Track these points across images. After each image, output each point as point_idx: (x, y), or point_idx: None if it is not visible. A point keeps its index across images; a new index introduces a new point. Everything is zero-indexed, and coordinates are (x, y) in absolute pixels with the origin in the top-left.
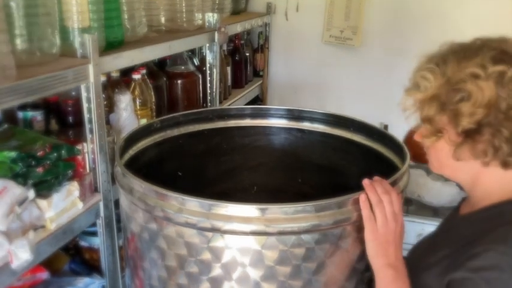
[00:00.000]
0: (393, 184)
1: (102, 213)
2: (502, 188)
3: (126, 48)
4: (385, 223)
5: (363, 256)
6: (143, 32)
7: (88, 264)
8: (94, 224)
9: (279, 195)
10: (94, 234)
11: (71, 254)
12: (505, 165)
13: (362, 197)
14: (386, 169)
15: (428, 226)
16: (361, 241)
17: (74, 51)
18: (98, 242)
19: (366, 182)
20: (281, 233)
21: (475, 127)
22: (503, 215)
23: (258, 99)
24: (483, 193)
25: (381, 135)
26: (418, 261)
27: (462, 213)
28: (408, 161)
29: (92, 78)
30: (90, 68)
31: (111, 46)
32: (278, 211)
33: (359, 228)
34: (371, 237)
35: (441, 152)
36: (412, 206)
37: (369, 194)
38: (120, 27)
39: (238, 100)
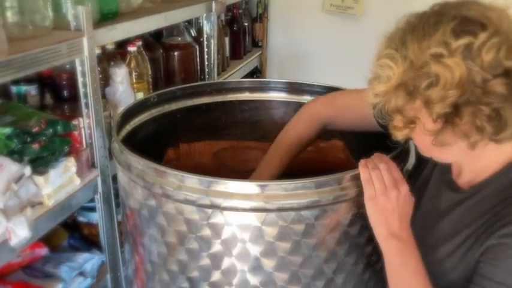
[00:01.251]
0: (394, 159)
1: (100, 189)
2: (501, 155)
3: (120, 20)
4: (383, 190)
5: (363, 231)
6: (138, 3)
7: (87, 240)
8: (92, 200)
9: None
10: (92, 209)
11: (69, 230)
12: (494, 142)
13: (362, 162)
14: (388, 145)
15: None
16: (360, 216)
17: (67, 24)
18: (96, 217)
19: (361, 161)
20: (281, 209)
21: (452, 110)
22: None
23: (257, 71)
24: (481, 165)
25: None
26: (418, 242)
27: (462, 187)
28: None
29: (86, 52)
30: (85, 41)
31: (105, 18)
32: (277, 187)
33: (359, 204)
34: (369, 203)
35: (423, 139)
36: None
37: (366, 161)
38: None
39: (237, 72)
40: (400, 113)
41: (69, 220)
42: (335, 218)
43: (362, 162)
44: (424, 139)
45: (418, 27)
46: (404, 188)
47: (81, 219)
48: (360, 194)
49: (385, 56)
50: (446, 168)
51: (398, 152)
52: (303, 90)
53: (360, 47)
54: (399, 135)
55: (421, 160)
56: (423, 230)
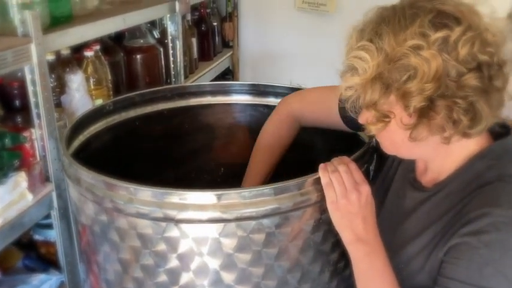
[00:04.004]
0: (357, 160)
1: (55, 204)
2: (463, 151)
3: (74, 24)
4: (344, 193)
5: (327, 237)
6: (94, 5)
7: (44, 260)
8: (48, 216)
9: None
10: (49, 226)
11: (25, 250)
12: (465, 136)
13: (321, 166)
14: (355, 144)
15: None
16: (324, 222)
17: (14, 30)
18: (53, 234)
19: (321, 165)
20: (239, 219)
21: (427, 104)
22: (479, 176)
23: (229, 72)
24: (446, 162)
25: None
26: (384, 244)
27: (426, 186)
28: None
29: (35, 59)
30: (33, 48)
31: (57, 22)
32: (235, 196)
33: (321, 209)
34: (332, 208)
35: (394, 135)
36: None
37: (326, 164)
38: (67, 0)
39: (207, 74)
40: (374, 107)
41: (24, 239)
42: (297, 225)
43: (322, 165)
44: (397, 134)
45: (393, 19)
46: (366, 189)
47: (37, 237)
48: (321, 199)
49: (359, 48)
50: (410, 167)
51: (361, 152)
52: (267, 92)
53: (335, 45)
54: (373, 129)
55: (384, 160)
56: (388, 230)
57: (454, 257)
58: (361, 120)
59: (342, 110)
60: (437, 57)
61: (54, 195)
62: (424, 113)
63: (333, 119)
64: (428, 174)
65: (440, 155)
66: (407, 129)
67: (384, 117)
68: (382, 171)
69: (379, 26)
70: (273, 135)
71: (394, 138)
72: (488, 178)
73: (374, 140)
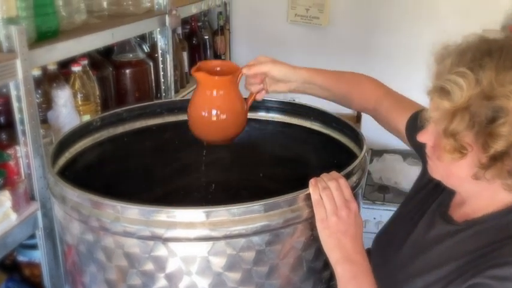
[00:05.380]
0: (348, 176)
1: (40, 224)
2: (507, 196)
3: (61, 39)
4: (334, 210)
5: (318, 255)
6: (82, 19)
7: (28, 282)
8: (33, 236)
9: (239, 192)
10: (34, 247)
11: (8, 272)
12: None
13: (312, 182)
14: (346, 158)
15: None
16: (315, 239)
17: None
18: (38, 255)
19: (311, 180)
20: (228, 237)
21: (509, 150)
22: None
23: None
24: (484, 203)
25: (339, 123)
26: (402, 268)
27: (457, 220)
28: (364, 150)
29: (20, 75)
30: (18, 64)
31: (44, 37)
32: (224, 213)
33: (312, 226)
34: (321, 226)
35: (460, 168)
36: (389, 193)
37: (316, 181)
38: (54, 15)
39: None
40: (455, 136)
41: (8, 260)
42: (288, 243)
43: (312, 182)
44: (463, 169)
45: (499, 56)
46: (354, 206)
47: (21, 258)
48: (313, 216)
49: (458, 73)
50: (446, 201)
51: (352, 167)
52: (258, 107)
53: (327, 58)
54: (448, 158)
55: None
56: (410, 256)
57: None
58: (423, 139)
59: (410, 123)
60: None
61: (39, 214)
62: (501, 157)
63: (399, 127)
64: (462, 208)
65: (486, 195)
66: (479, 167)
67: (461, 149)
68: (420, 197)
69: (483, 57)
70: (346, 83)
71: (458, 172)
72: None
73: (364, 154)
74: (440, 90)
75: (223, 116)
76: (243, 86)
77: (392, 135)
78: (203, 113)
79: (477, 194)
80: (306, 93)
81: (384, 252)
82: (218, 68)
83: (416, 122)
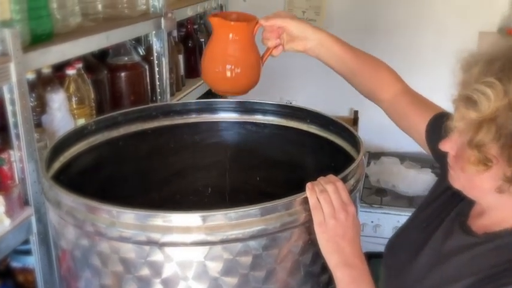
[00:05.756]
0: (345, 179)
1: (34, 229)
2: None
3: (56, 42)
4: (332, 214)
5: (316, 259)
6: (77, 22)
7: None
8: (27, 242)
9: (236, 196)
10: (28, 253)
11: (1, 278)
12: None
13: (308, 186)
14: (344, 161)
15: (404, 217)
16: (312, 243)
17: None
18: (32, 261)
19: (308, 184)
20: (225, 241)
21: None
22: None
23: None
24: (506, 215)
25: (336, 126)
26: (418, 279)
27: (476, 231)
28: (362, 153)
29: (14, 78)
30: (12, 67)
31: (38, 40)
32: (220, 217)
33: (310, 230)
34: (319, 229)
35: (485, 181)
36: (387, 196)
37: (313, 184)
38: (49, 17)
39: (194, 91)
40: (479, 148)
41: (1, 266)
42: (285, 247)
43: (309, 185)
44: (488, 181)
45: None
46: (352, 209)
47: (14, 264)
48: (310, 219)
49: (485, 83)
50: (465, 211)
51: (350, 170)
52: (255, 109)
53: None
54: (473, 169)
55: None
56: (425, 266)
57: None
58: (446, 147)
59: (431, 125)
60: None
61: (33, 219)
62: None
63: (419, 127)
64: (482, 219)
65: (509, 208)
66: (504, 181)
67: (486, 161)
68: (436, 205)
69: (511, 66)
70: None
71: (481, 184)
72: None
73: (362, 157)
74: (466, 100)
75: (236, 64)
76: (260, 41)
77: (389, 138)
78: (216, 60)
79: (499, 206)
80: (319, 59)
81: (397, 260)
82: (235, 16)
83: (438, 124)
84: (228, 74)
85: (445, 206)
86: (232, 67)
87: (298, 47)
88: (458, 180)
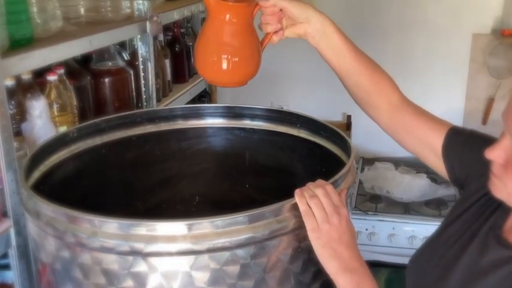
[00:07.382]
0: (335, 184)
1: (13, 242)
2: None
3: (36, 47)
4: (325, 218)
5: (307, 267)
6: (58, 26)
7: None
8: (6, 255)
9: (225, 204)
10: (7, 267)
11: None
12: None
13: (297, 192)
14: (335, 167)
15: (400, 224)
16: (303, 251)
17: None
18: (11, 276)
19: (297, 191)
20: (211, 250)
21: None
22: None
23: (206, 94)
24: None
25: (326, 130)
26: None
27: (509, 241)
28: (352, 158)
29: None
30: None
31: (17, 45)
32: (206, 225)
33: (299, 237)
34: (313, 235)
35: None
36: (381, 203)
37: (302, 190)
38: (29, 22)
39: (181, 96)
40: None
41: None
42: (274, 255)
43: (298, 192)
44: None
45: None
46: (345, 212)
47: None
48: (299, 226)
49: None
50: (499, 223)
51: (339, 176)
52: (244, 115)
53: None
54: None
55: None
56: (461, 284)
57: None
58: (493, 156)
59: (449, 139)
60: None
61: (12, 232)
62: None
63: (432, 141)
64: None
65: None
66: None
67: None
68: (464, 219)
69: None
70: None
71: None
72: None
73: (354, 162)
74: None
75: (234, 53)
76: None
77: (382, 142)
78: (211, 48)
79: None
80: (318, 49)
81: (425, 277)
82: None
83: (458, 141)
84: (225, 64)
85: (474, 220)
86: (229, 56)
87: (300, 30)
88: (505, 190)
